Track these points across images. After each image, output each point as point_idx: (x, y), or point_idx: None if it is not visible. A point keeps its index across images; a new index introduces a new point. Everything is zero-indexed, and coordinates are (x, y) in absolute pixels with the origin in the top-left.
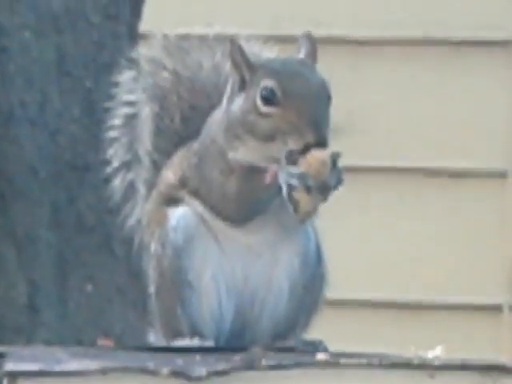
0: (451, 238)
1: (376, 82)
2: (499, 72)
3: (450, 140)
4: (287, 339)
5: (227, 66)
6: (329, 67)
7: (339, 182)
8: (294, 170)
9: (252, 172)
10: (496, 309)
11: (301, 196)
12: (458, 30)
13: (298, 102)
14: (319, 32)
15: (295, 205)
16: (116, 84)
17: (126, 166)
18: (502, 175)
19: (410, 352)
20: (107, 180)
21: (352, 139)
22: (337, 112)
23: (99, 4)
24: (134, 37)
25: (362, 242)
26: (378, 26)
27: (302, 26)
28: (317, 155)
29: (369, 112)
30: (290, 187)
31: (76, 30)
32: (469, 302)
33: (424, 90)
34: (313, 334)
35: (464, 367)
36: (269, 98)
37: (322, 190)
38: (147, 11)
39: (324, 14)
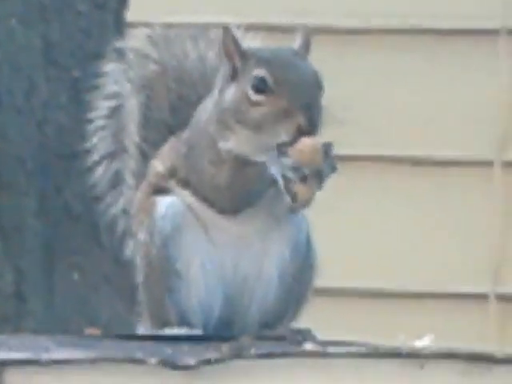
0: (438, 226)
1: (363, 72)
2: (486, 61)
3: (437, 129)
4: (276, 328)
5: (211, 55)
6: (315, 56)
7: (333, 169)
8: (287, 161)
9: (243, 163)
10: (482, 298)
11: (298, 187)
12: (445, 19)
13: (289, 91)
14: (305, 21)
15: (293, 196)
16: (102, 75)
17: (111, 156)
18: (488, 164)
19: (399, 341)
20: (90, 169)
21: (338, 128)
22: (327, 102)
23: None
24: (121, 26)
25: (350, 232)
26: (365, 16)
27: (288, 15)
28: (308, 142)
29: (356, 101)
30: (286, 179)
31: (63, 19)
32: (455, 291)
33: (411, 79)
34: (302, 322)
35: (452, 356)
36: (260, 87)
37: (317, 177)
38: (133, 0)
39: (311, 4)
